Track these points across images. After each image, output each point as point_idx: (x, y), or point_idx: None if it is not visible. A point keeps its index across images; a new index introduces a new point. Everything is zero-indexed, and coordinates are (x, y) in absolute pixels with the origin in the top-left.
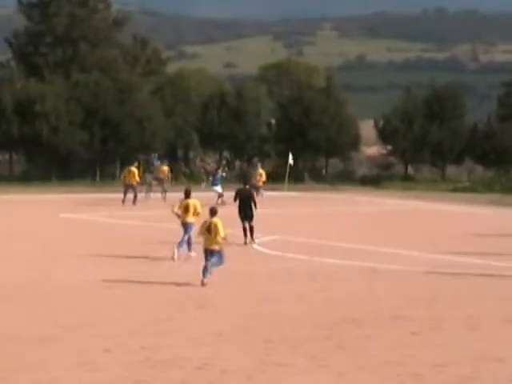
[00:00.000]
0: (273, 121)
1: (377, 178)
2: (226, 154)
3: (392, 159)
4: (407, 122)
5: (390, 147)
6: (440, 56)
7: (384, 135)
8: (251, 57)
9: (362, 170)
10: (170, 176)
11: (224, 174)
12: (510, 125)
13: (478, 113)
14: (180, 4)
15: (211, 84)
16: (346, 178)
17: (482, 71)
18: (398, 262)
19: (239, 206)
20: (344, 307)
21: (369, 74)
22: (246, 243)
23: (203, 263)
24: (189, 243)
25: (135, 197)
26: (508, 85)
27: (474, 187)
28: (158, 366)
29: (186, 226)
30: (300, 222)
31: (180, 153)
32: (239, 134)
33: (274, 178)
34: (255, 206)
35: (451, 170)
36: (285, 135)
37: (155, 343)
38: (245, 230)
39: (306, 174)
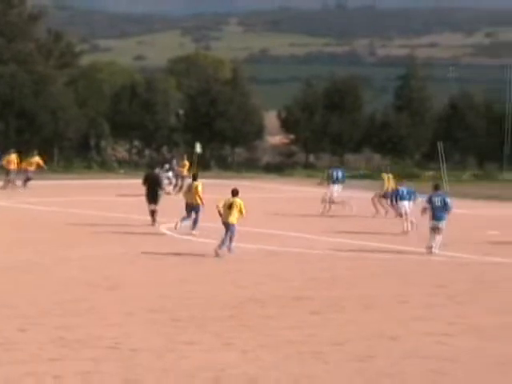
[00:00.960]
0: (181, 111)
1: (280, 166)
2: (136, 143)
3: (294, 148)
4: (308, 113)
5: (292, 136)
6: (340, 50)
7: (287, 125)
8: (161, 50)
9: (266, 158)
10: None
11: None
12: (406, 115)
13: (376, 104)
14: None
15: (123, 76)
16: (251, 166)
17: (380, 65)
18: (300, 244)
19: (147, 190)
20: (248, 288)
21: (272, 67)
22: (153, 224)
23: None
24: (231, 240)
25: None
26: (403, 77)
27: (372, 175)
28: (70, 345)
29: (227, 226)
30: (207, 207)
31: (92, 142)
32: (149, 123)
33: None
34: (161, 189)
35: (350, 158)
36: (193, 125)
37: (68, 323)
38: (151, 212)
39: (212, 162)
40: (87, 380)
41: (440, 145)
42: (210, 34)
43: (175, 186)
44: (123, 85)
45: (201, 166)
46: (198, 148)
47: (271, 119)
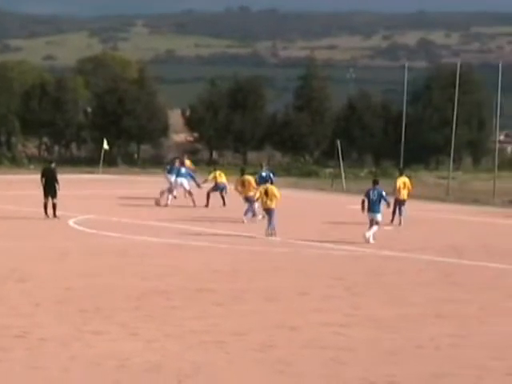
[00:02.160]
0: (89, 109)
1: None
2: (45, 139)
3: (198, 145)
4: (212, 112)
5: (196, 134)
6: (243, 51)
7: (191, 123)
8: (70, 51)
9: (171, 155)
10: None
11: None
12: (306, 114)
13: (278, 104)
14: (4, 0)
15: (32, 75)
16: (157, 163)
17: (281, 66)
18: (202, 238)
19: (44, 184)
20: (153, 280)
21: (178, 67)
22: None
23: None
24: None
25: None
26: (304, 78)
27: (273, 171)
28: None
29: (248, 199)
30: (113, 202)
31: (3, 138)
32: (58, 121)
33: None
34: (57, 183)
35: (252, 155)
36: (100, 123)
37: None
38: (46, 205)
39: (119, 159)
40: None
41: (338, 143)
42: (117, 35)
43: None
44: (33, 83)
45: (107, 162)
46: (105, 145)
47: (176, 118)
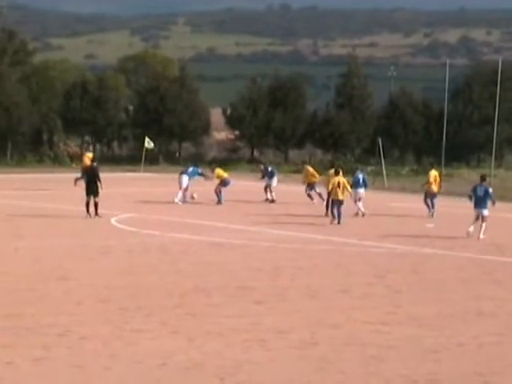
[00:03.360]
0: (130, 107)
1: (225, 161)
2: (87, 138)
3: (239, 143)
4: (253, 110)
5: (237, 132)
6: (284, 49)
7: (232, 121)
8: (111, 49)
9: (212, 153)
10: None
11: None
12: (346, 112)
13: (318, 101)
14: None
15: (74, 73)
16: (198, 161)
17: (322, 64)
18: (244, 236)
19: (87, 183)
20: (194, 278)
21: (219, 65)
22: (91, 216)
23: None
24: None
25: None
26: (344, 76)
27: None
28: (22, 333)
29: (338, 203)
30: (155, 200)
31: (45, 137)
32: (100, 119)
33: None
34: (100, 182)
35: (294, 153)
36: (141, 121)
37: (20, 312)
38: (88, 204)
39: (160, 157)
40: (38, 366)
41: (379, 141)
42: (159, 33)
43: None
44: (74, 82)
45: (149, 160)
46: (147, 143)
47: (217, 116)
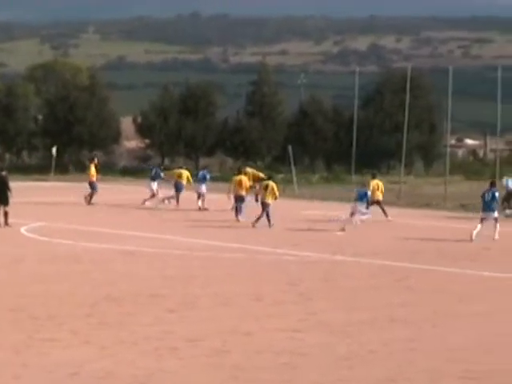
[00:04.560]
0: (40, 116)
1: (136, 169)
2: None
3: (150, 152)
4: (163, 118)
5: (147, 141)
6: (194, 57)
7: (142, 130)
8: (21, 58)
9: (122, 162)
10: None
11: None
12: (257, 120)
13: (229, 109)
14: None
15: None
16: (109, 169)
17: (233, 71)
18: (155, 245)
19: None
20: (106, 287)
21: (129, 73)
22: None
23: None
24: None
25: None
26: (255, 83)
27: (225, 177)
28: None
29: (264, 205)
30: (65, 209)
31: None
32: (9, 128)
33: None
34: (9, 191)
35: (204, 161)
36: (51, 130)
37: None
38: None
39: (71, 166)
40: None
41: (290, 148)
42: (68, 41)
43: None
44: None
45: (59, 169)
46: (54, 151)
47: (128, 124)
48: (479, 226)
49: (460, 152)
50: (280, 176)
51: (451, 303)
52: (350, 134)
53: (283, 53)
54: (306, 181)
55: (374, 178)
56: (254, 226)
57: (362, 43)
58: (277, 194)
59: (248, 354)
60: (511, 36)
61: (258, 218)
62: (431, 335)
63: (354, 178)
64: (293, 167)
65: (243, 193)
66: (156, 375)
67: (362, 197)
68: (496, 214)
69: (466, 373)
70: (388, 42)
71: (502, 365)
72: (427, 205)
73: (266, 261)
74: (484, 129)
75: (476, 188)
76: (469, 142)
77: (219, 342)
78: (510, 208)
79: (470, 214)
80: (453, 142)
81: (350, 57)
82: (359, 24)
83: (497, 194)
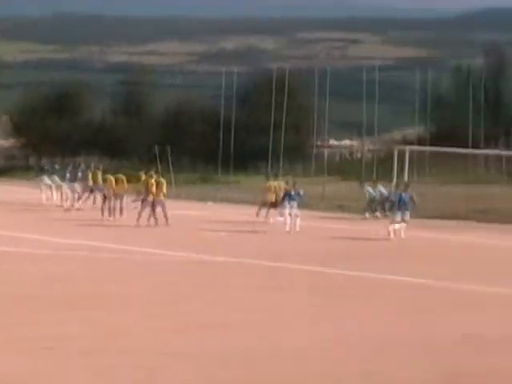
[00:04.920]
0: None
1: (3, 169)
2: None
3: (18, 151)
4: (32, 117)
5: (15, 139)
6: (67, 56)
7: (12, 129)
8: None
9: None
10: None
11: None
12: (128, 119)
13: (100, 108)
14: None
15: None
16: None
17: (106, 70)
18: (25, 245)
19: None
20: None
21: (4, 72)
22: None
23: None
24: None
25: None
26: (127, 83)
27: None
28: None
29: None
30: None
31: None
32: None
33: None
34: None
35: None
36: None
37: None
38: None
39: None
40: None
41: (156, 149)
42: None
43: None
44: None
45: None
46: None
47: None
48: (398, 225)
49: (335, 152)
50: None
51: (327, 303)
52: (223, 134)
53: (156, 52)
54: (182, 181)
55: (275, 178)
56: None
57: (236, 43)
58: (164, 190)
59: (122, 354)
60: (384, 37)
61: (151, 217)
62: (305, 335)
63: (231, 178)
64: (158, 167)
65: (122, 191)
66: (31, 375)
67: (292, 197)
68: (408, 216)
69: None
70: (261, 42)
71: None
72: (304, 205)
73: (144, 261)
74: (355, 129)
75: (352, 188)
76: (343, 142)
77: (93, 342)
78: (372, 212)
79: (346, 215)
80: (328, 142)
81: (225, 57)
82: (234, 24)
83: (414, 196)
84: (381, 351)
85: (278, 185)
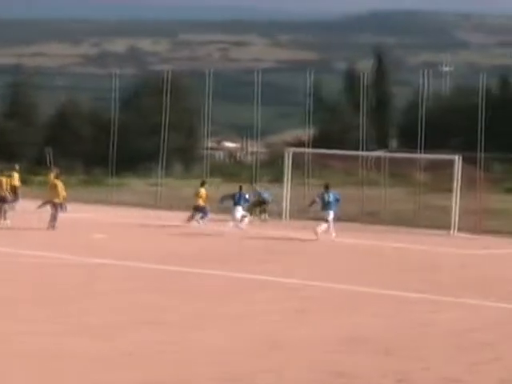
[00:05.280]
0: None
1: None
2: None
3: None
4: None
5: None
6: None
7: None
8: None
9: None
10: None
11: None
12: (14, 122)
13: None
14: None
15: None
16: None
17: None
18: None
19: None
20: None
21: None
22: None
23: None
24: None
25: None
26: (12, 85)
27: None
28: None
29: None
30: None
31: None
32: None
33: None
34: None
35: None
36: None
37: None
38: None
39: None
40: None
41: (48, 150)
42: None
43: None
44: None
45: None
46: None
47: None
48: (325, 225)
49: (219, 154)
50: (38, 178)
51: (206, 305)
52: (109, 136)
53: (41, 54)
54: (65, 183)
55: (202, 185)
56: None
57: (120, 46)
58: (64, 192)
59: (5, 358)
60: (268, 40)
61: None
62: (184, 337)
63: (114, 180)
64: (52, 168)
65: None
66: None
67: (239, 200)
68: (332, 215)
69: (218, 374)
70: (146, 44)
71: (261, 367)
72: (186, 207)
73: (27, 264)
74: (242, 131)
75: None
76: (227, 144)
77: None
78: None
79: (228, 217)
80: (212, 144)
81: (109, 59)
82: (117, 26)
83: (338, 196)
84: (266, 351)
85: (203, 192)
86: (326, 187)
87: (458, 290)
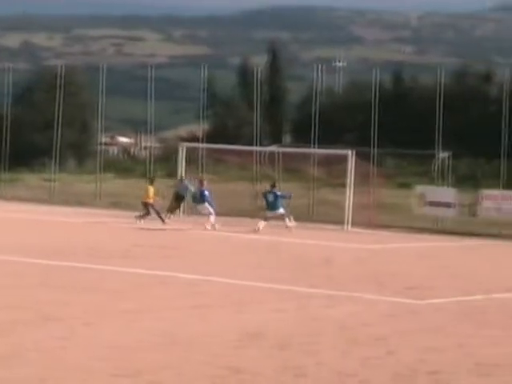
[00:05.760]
0: None
1: None
2: None
3: None
4: None
5: None
6: None
7: None
8: None
9: None
10: None
11: None
12: None
13: None
14: None
15: None
16: None
17: None
18: None
19: None
20: None
21: None
22: None
23: None
24: None
25: None
26: None
27: None
28: None
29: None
30: None
31: None
32: None
33: None
34: None
35: None
36: None
37: None
38: None
39: None
40: None
41: None
42: None
43: None
44: None
45: None
46: None
47: None
48: (264, 222)
49: (113, 150)
50: None
51: (102, 301)
52: (1, 131)
53: None
54: None
55: (151, 183)
56: None
57: (13, 40)
58: None
59: None
60: (162, 35)
61: None
62: (82, 333)
63: (7, 175)
64: None
65: None
66: None
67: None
68: (282, 211)
69: (118, 370)
70: (40, 39)
71: (159, 362)
72: (79, 202)
73: None
74: (136, 126)
75: (127, 185)
76: (121, 139)
77: None
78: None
79: (123, 212)
80: (106, 139)
81: (2, 54)
82: (10, 20)
83: (278, 194)
84: (165, 347)
85: (151, 189)
86: (272, 186)
87: (353, 284)
